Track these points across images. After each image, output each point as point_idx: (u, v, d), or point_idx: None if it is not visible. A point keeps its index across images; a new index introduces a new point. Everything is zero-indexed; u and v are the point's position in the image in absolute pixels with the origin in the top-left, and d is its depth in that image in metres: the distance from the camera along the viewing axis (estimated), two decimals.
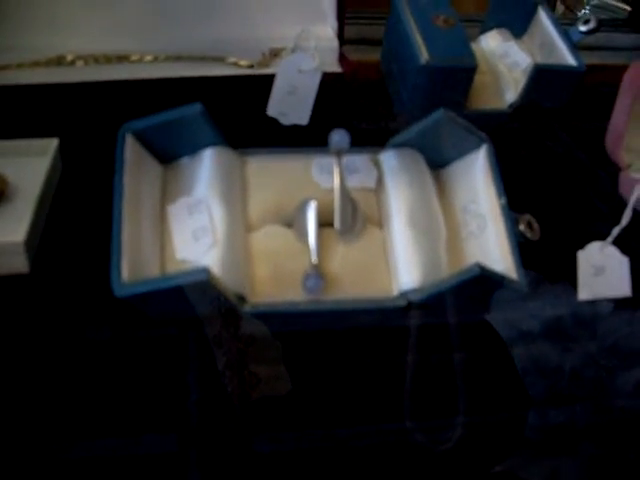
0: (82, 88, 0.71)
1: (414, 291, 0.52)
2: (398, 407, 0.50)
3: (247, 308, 0.50)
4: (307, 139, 0.67)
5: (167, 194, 0.55)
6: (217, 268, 0.50)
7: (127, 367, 0.51)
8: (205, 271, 0.47)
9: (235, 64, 0.73)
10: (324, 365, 0.52)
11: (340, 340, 0.54)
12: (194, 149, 0.56)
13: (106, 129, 0.67)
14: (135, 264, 0.50)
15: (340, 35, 0.76)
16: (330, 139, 0.53)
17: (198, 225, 0.53)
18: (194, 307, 0.49)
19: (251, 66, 0.73)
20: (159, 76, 0.71)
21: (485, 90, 0.74)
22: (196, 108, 0.53)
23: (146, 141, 0.54)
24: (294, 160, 0.57)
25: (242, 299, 0.50)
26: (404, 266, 0.53)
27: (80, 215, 0.59)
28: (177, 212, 0.53)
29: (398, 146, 0.58)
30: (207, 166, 0.55)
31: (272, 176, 0.56)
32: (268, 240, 0.53)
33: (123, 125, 0.54)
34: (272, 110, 0.68)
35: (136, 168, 0.53)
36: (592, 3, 0.99)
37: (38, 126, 0.66)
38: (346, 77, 0.74)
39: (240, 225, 0.53)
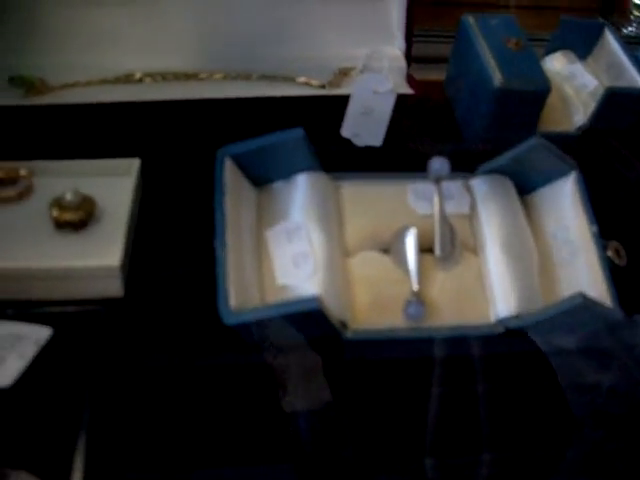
0: (151, 106, 0.71)
1: (513, 319, 0.52)
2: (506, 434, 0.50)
3: (350, 334, 0.50)
4: (379, 161, 0.67)
5: (262, 218, 0.55)
6: (320, 294, 0.50)
7: (230, 394, 0.50)
8: (316, 299, 0.47)
9: (306, 84, 0.73)
10: (421, 391, 0.52)
11: (434, 367, 0.54)
12: (289, 173, 0.56)
13: (180, 148, 0.68)
14: (240, 291, 0.49)
15: (408, 55, 0.76)
16: (430, 166, 0.53)
17: (298, 251, 0.52)
18: (297, 334, 0.49)
19: (322, 86, 0.72)
20: (228, 95, 0.71)
21: (552, 113, 0.74)
22: (298, 133, 0.53)
23: (242, 164, 0.54)
24: (388, 185, 0.57)
25: (344, 325, 0.50)
26: (500, 293, 0.53)
27: (167, 236, 0.58)
28: (276, 237, 0.53)
29: (488, 172, 0.58)
30: (303, 191, 0.55)
31: (367, 202, 0.56)
32: (366, 266, 0.53)
33: (221, 148, 0.54)
34: (346, 131, 0.68)
35: (235, 192, 0.53)
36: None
37: (109, 145, 0.66)
38: (414, 98, 0.74)
39: (338, 251, 0.53)
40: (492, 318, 0.53)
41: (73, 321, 0.50)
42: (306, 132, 0.57)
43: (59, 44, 0.73)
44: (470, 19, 0.73)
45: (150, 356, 0.50)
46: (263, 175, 0.56)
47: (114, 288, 0.53)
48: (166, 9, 0.73)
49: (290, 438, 0.47)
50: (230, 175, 0.53)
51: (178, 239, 0.58)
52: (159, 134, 0.69)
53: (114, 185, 0.60)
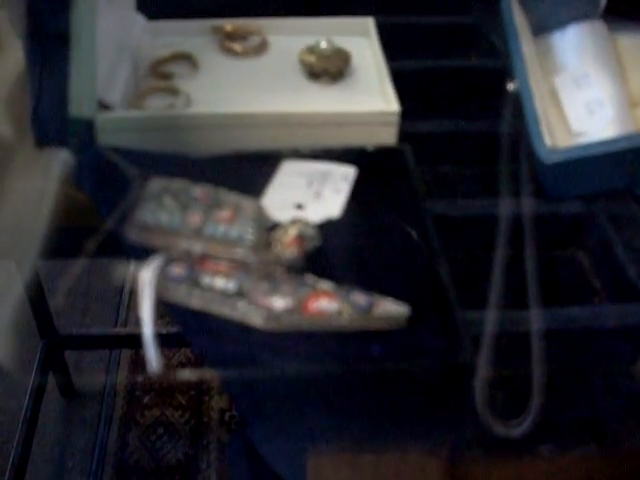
0: None
1: None
2: None
3: None
4: None
5: (545, 66, 0.51)
6: None
7: None
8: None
9: None
10: None
11: None
12: (565, 21, 0.52)
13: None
14: (550, 132, 0.46)
15: None
16: None
17: (591, 97, 0.49)
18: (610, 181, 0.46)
19: None
20: None
21: None
22: None
23: (524, 7, 0.50)
24: None
25: None
26: None
27: (419, 94, 0.54)
28: (565, 84, 0.50)
29: None
30: (585, 40, 0.51)
31: None
32: None
33: None
34: None
35: (523, 36, 0.49)
36: None
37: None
38: None
39: (627, 99, 0.50)
40: None
41: (373, 160, 0.46)
42: None
43: None
44: None
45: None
46: (541, 21, 0.52)
47: (389, 135, 0.49)
48: None
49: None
50: (519, 17, 0.49)
51: (433, 97, 0.54)
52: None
53: (353, 43, 0.56)
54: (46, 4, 0.54)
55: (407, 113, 0.52)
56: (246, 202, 0.39)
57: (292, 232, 0.38)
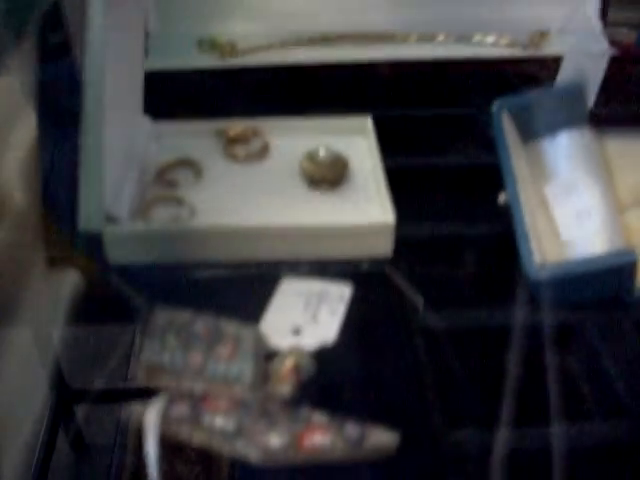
0: (347, 67, 0.68)
1: None
2: None
3: None
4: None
5: (534, 174, 0.53)
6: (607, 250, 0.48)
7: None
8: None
9: (506, 45, 0.70)
10: None
11: None
12: (554, 128, 0.54)
13: (396, 107, 0.65)
14: (538, 246, 0.48)
15: (603, 16, 0.74)
16: None
17: (581, 206, 0.51)
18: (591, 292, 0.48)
19: (522, 47, 0.70)
20: (424, 56, 0.69)
21: None
22: (575, 85, 0.51)
23: (514, 119, 0.52)
24: None
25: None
26: None
27: (415, 195, 0.56)
28: (555, 193, 0.51)
29: None
30: (574, 147, 0.53)
31: (636, 156, 0.54)
32: None
33: (497, 101, 0.52)
34: None
35: (515, 146, 0.51)
36: None
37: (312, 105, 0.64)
38: (614, 59, 0.72)
39: (615, 207, 0.52)
40: None
41: (365, 278, 0.48)
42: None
43: (247, 8, 0.71)
44: None
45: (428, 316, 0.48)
46: (531, 129, 0.54)
47: (384, 247, 0.51)
48: None
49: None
50: (508, 129, 0.51)
51: (427, 197, 0.56)
52: (362, 94, 0.67)
53: (351, 143, 0.58)
54: (58, 83, 0.57)
55: (404, 215, 0.55)
56: (246, 332, 0.41)
57: (288, 364, 0.40)
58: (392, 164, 0.59)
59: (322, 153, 0.54)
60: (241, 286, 0.47)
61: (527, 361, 0.45)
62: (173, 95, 0.67)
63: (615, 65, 0.71)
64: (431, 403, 0.42)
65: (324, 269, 0.49)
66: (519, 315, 0.48)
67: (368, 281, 0.48)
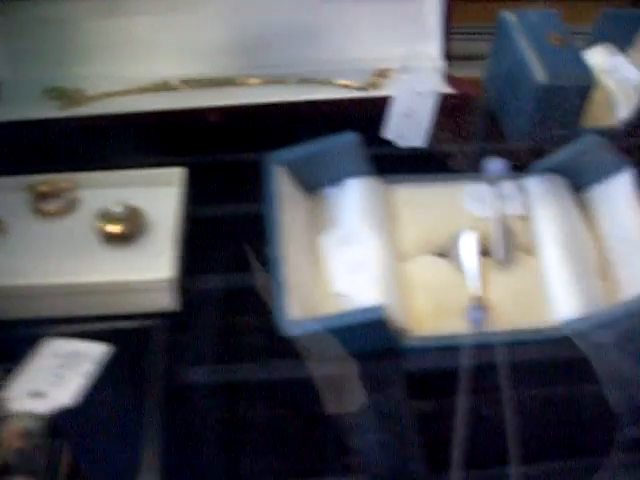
0: (189, 114, 0.70)
1: (579, 320, 0.51)
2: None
3: (411, 342, 0.49)
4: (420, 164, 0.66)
5: (313, 225, 0.54)
6: (378, 302, 0.49)
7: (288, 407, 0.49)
8: (381, 309, 0.46)
9: (344, 86, 0.72)
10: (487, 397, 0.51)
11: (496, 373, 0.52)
12: (339, 178, 0.55)
13: (221, 154, 0.67)
14: (298, 300, 0.48)
15: (445, 53, 0.75)
16: (486, 167, 0.52)
17: (354, 258, 0.51)
18: (359, 344, 0.48)
19: (360, 88, 0.71)
20: (266, 100, 0.70)
21: (595, 107, 0.72)
22: (351, 137, 0.52)
23: (292, 171, 0.53)
24: (442, 188, 0.56)
25: (402, 333, 0.49)
26: (561, 295, 0.52)
27: (215, 246, 0.58)
28: (330, 244, 0.52)
29: (540, 171, 0.57)
30: (355, 197, 0.54)
31: (422, 205, 0.55)
32: (424, 271, 0.52)
33: (271, 155, 0.53)
34: (389, 133, 0.67)
35: (286, 199, 0.52)
36: None
37: (149, 153, 0.65)
38: (454, 97, 0.72)
39: (393, 257, 0.52)
40: (554, 321, 0.52)
41: (128, 337, 0.49)
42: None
43: (94, 55, 0.72)
44: (510, 15, 0.71)
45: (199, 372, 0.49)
46: (313, 180, 0.55)
47: (166, 301, 0.53)
48: (200, 16, 0.72)
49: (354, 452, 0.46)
50: (280, 182, 0.52)
51: (227, 249, 0.57)
52: (199, 141, 0.68)
53: (159, 195, 0.59)
54: None
55: (198, 267, 0.56)
56: None
57: (13, 428, 0.41)
58: (200, 213, 0.60)
59: (117, 209, 0.55)
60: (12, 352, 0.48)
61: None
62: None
63: (452, 102, 0.72)
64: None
65: (98, 327, 0.50)
66: (286, 367, 0.49)
67: (136, 338, 0.50)
